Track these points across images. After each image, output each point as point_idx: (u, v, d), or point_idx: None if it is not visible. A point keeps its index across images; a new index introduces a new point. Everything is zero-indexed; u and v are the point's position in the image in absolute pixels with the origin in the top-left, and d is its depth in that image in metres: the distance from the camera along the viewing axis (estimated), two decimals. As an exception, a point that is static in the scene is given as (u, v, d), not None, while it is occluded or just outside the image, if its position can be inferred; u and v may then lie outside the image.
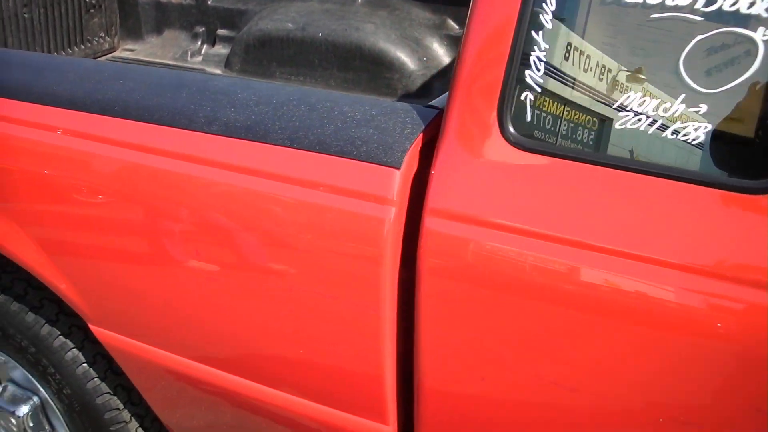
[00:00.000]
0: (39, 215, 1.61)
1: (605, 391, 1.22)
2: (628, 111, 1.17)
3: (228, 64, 2.57)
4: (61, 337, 1.74)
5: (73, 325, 1.75)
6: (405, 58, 2.34)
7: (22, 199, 1.61)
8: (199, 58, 2.68)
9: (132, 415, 1.78)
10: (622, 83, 1.19)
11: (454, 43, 2.39)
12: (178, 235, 1.45)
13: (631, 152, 1.20)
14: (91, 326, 1.64)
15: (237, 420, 1.59)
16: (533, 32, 1.21)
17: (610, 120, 1.20)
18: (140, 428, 1.80)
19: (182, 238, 1.45)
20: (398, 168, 1.27)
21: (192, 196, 1.42)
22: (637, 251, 1.14)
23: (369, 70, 2.36)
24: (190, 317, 1.50)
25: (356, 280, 1.31)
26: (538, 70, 1.22)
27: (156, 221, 1.46)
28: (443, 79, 2.38)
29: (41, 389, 1.85)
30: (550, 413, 1.27)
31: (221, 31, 2.70)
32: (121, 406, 1.76)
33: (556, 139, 1.24)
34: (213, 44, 2.71)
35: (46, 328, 1.74)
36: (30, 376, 1.84)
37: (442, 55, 2.39)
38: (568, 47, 1.22)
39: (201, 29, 2.73)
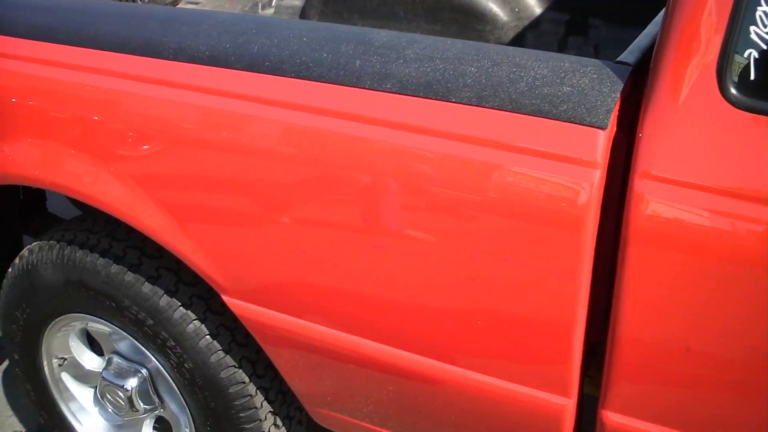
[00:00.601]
0: (169, 180, 1.50)
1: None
2: None
3: (304, 16, 2.43)
4: (181, 308, 1.64)
5: (194, 296, 1.65)
6: (497, 9, 2.24)
7: (149, 163, 1.50)
8: (271, 11, 2.53)
9: (257, 388, 1.69)
10: None
11: (545, -8, 2.29)
12: (343, 202, 1.36)
13: None
14: (224, 298, 1.54)
15: (395, 396, 1.51)
16: (761, -17, 1.12)
17: None
18: (265, 401, 1.71)
19: (348, 205, 1.35)
20: (604, 129, 1.19)
21: (361, 159, 1.32)
22: None
23: (459, 21, 2.25)
24: (348, 288, 1.41)
25: (553, 247, 1.24)
26: (765, 26, 1.14)
27: (317, 187, 1.36)
28: (536, 30, 2.28)
29: (153, 360, 1.75)
30: (762, 388, 1.22)
31: (293, -18, 2.56)
32: (247, 380, 1.67)
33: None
34: (284, -5, 2.57)
35: (165, 299, 1.64)
36: (143, 348, 1.74)
37: (534, 5, 2.29)
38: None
39: (271, -21, 2.58)
